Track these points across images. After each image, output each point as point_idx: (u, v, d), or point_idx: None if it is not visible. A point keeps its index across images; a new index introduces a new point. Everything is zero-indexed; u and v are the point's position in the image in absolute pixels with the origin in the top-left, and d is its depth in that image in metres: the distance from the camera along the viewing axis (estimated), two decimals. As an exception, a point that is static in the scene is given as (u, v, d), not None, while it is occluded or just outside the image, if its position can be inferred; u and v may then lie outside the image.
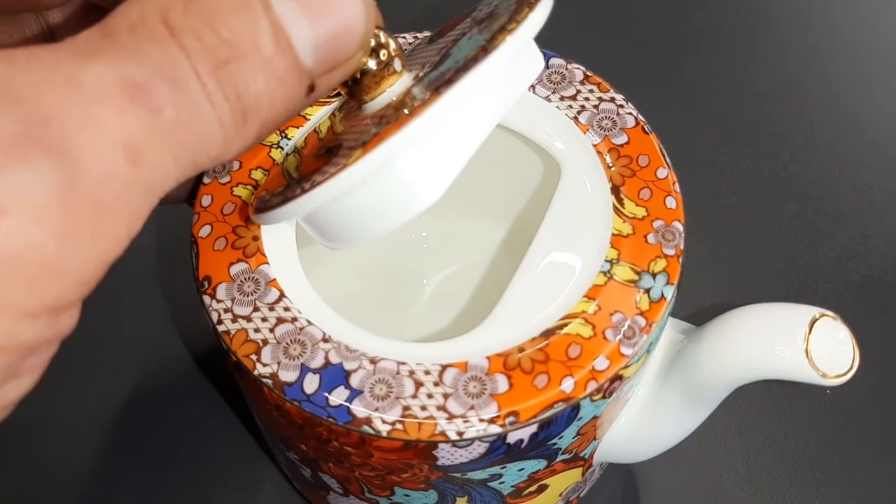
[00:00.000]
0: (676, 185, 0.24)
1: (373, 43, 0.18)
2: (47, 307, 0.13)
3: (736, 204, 0.40)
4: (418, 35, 0.26)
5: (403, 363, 0.21)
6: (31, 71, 0.13)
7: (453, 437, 0.20)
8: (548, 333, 0.21)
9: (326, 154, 0.19)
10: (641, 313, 0.21)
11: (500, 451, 0.21)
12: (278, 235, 0.23)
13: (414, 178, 0.18)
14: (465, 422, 0.20)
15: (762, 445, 0.33)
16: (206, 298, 0.22)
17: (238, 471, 0.32)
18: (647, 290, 0.22)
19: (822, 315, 0.21)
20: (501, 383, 0.20)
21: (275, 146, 0.25)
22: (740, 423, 0.33)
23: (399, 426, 0.20)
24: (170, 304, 0.36)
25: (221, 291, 0.22)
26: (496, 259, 0.31)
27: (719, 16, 0.48)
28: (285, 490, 0.32)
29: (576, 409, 0.20)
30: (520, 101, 0.19)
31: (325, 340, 0.21)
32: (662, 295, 0.22)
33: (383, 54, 0.18)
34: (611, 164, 0.24)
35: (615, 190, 0.23)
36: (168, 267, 0.37)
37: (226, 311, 0.21)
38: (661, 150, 0.24)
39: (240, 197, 0.23)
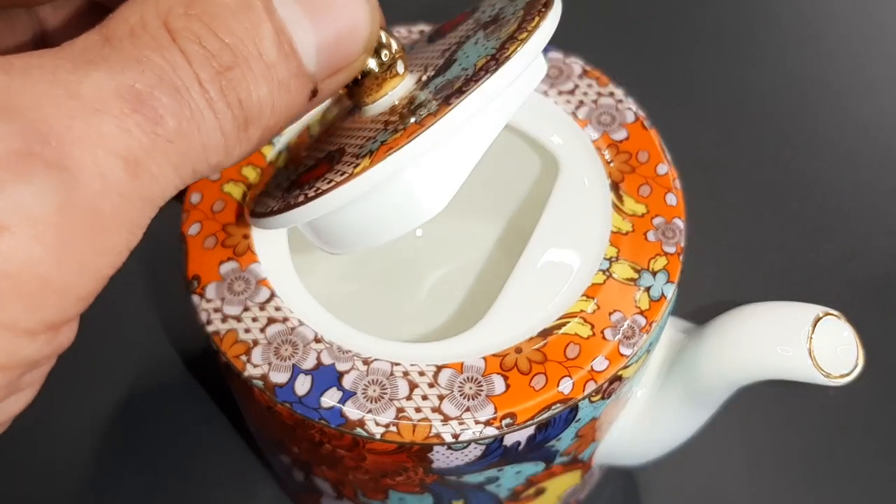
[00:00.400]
0: (677, 181, 0.23)
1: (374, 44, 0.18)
2: (47, 324, 0.13)
3: (737, 202, 0.40)
4: (412, 29, 0.26)
5: (397, 364, 0.20)
6: (31, 81, 0.12)
7: (448, 439, 0.19)
8: (545, 333, 0.20)
9: (327, 159, 0.19)
10: (641, 312, 0.21)
11: (496, 453, 0.20)
12: (269, 234, 0.22)
13: (420, 189, 0.18)
14: (461, 424, 0.19)
15: (765, 448, 0.33)
16: (196, 298, 0.21)
17: (230, 475, 0.32)
18: (647, 289, 0.21)
19: (826, 314, 0.21)
20: (498, 384, 0.20)
21: (266, 142, 0.24)
22: (742, 424, 0.33)
23: (393, 428, 0.19)
24: (158, 304, 0.36)
25: (211, 291, 0.21)
26: (493, 257, 0.31)
27: (721, 13, 0.48)
28: (278, 494, 0.31)
29: (574, 410, 0.20)
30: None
31: (318, 341, 0.20)
32: (663, 294, 0.21)
33: (386, 55, 0.18)
34: (610, 160, 0.23)
35: (614, 186, 0.23)
36: (156, 266, 0.36)
37: (216, 310, 0.21)
38: (661, 145, 0.24)
39: (230, 194, 0.23)
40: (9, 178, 0.12)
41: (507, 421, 0.19)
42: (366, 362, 0.20)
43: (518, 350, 0.20)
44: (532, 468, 0.22)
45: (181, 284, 0.22)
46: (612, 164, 0.23)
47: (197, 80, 0.14)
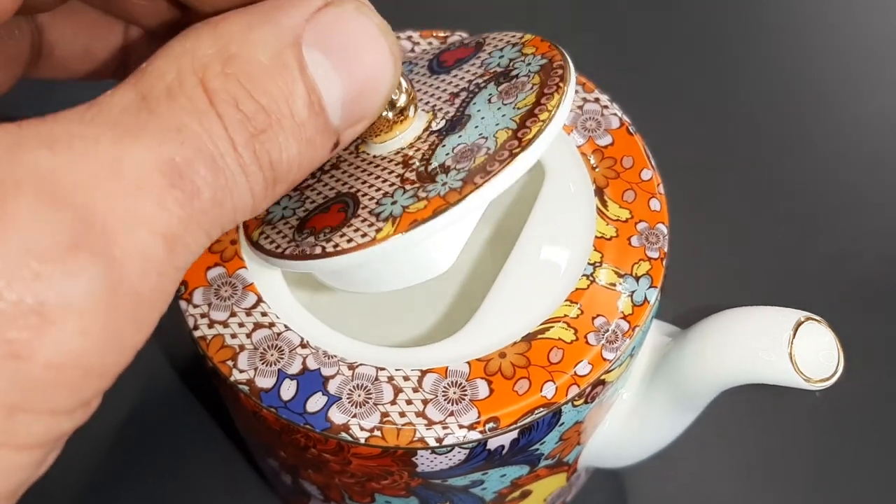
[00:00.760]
0: (661, 186, 0.23)
1: None
2: (85, 402, 0.13)
3: (726, 205, 0.40)
4: (399, 35, 0.26)
5: (382, 369, 0.20)
6: (74, 158, 0.12)
7: (432, 443, 0.19)
8: (529, 338, 0.21)
9: (341, 203, 0.19)
10: (624, 317, 0.21)
11: (480, 457, 0.20)
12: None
13: (434, 250, 0.18)
14: (445, 428, 0.19)
15: (751, 450, 0.33)
16: (183, 303, 0.21)
17: (220, 478, 0.32)
18: (631, 294, 0.21)
19: (808, 318, 0.21)
20: (482, 389, 0.20)
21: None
22: (729, 427, 0.33)
23: (377, 433, 0.19)
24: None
25: (198, 296, 0.21)
26: (478, 262, 0.31)
27: (708, 17, 0.48)
28: (268, 497, 0.31)
29: (557, 414, 0.20)
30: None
31: (303, 346, 0.21)
32: (646, 298, 0.21)
33: (400, 100, 0.18)
34: (595, 166, 0.24)
35: (599, 192, 0.23)
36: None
37: (202, 315, 0.21)
38: (645, 151, 0.24)
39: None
40: (56, 273, 0.12)
41: (491, 425, 0.19)
42: (351, 367, 0.20)
43: (502, 355, 0.20)
44: (517, 471, 0.22)
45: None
46: (596, 170, 0.24)
47: (232, 146, 0.14)
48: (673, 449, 0.26)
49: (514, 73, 0.20)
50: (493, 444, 0.20)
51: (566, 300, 0.21)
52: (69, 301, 0.12)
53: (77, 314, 0.12)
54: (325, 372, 0.20)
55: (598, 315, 0.21)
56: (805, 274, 0.37)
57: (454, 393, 0.20)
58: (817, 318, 0.21)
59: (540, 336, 0.21)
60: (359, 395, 0.20)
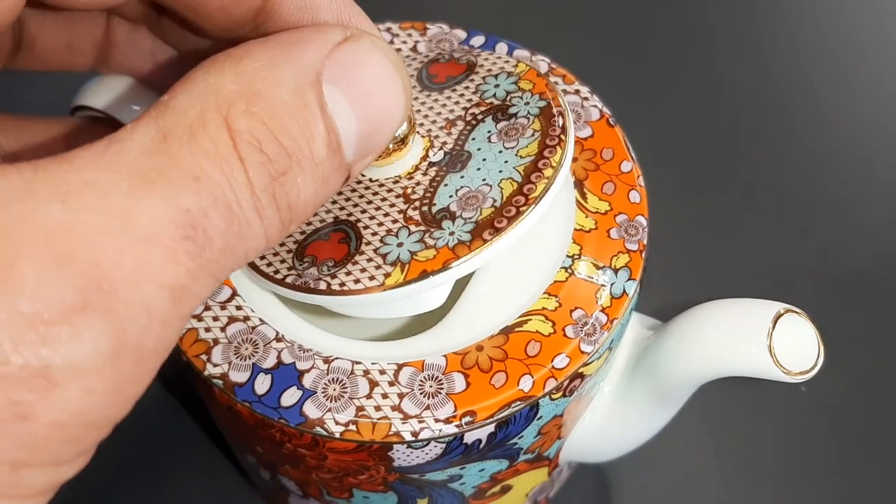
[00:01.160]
0: (641, 178, 0.23)
1: None
2: (86, 451, 0.13)
3: (710, 198, 0.40)
4: (379, 27, 0.25)
5: (358, 363, 0.20)
6: (85, 211, 0.12)
7: (408, 437, 0.19)
8: (507, 331, 0.20)
9: (341, 233, 0.19)
10: (603, 310, 0.21)
11: (457, 451, 0.20)
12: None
13: (432, 292, 0.19)
14: (420, 422, 0.19)
15: (735, 444, 0.33)
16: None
17: (201, 475, 0.32)
18: (609, 286, 0.21)
19: (787, 311, 0.21)
20: (458, 382, 0.20)
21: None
22: (713, 421, 0.33)
23: (352, 427, 0.19)
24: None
25: (172, 290, 0.21)
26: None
27: (699, 11, 0.48)
28: (248, 493, 0.31)
29: (534, 408, 0.20)
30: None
31: (278, 340, 0.20)
32: (625, 291, 0.21)
33: (401, 128, 0.19)
34: (574, 158, 0.23)
35: (578, 184, 0.23)
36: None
37: (176, 310, 0.21)
38: (625, 143, 0.24)
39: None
40: (62, 336, 0.12)
41: (467, 419, 0.19)
42: (326, 361, 0.20)
43: (479, 348, 0.20)
44: (496, 466, 0.22)
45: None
46: (576, 162, 0.23)
47: (251, 191, 0.14)
48: (657, 443, 0.26)
49: (512, 110, 0.21)
50: (469, 438, 0.20)
51: (544, 293, 0.21)
52: (74, 363, 0.12)
53: (81, 375, 0.12)
54: (300, 366, 0.20)
55: (576, 308, 0.21)
56: (788, 268, 0.37)
57: (430, 386, 0.20)
58: (797, 310, 0.21)
59: (518, 329, 0.20)
60: (334, 390, 0.20)
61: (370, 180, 0.20)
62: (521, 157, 0.20)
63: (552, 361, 0.20)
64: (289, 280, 0.19)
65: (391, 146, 0.19)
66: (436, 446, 0.20)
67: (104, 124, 0.24)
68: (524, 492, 0.25)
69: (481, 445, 0.20)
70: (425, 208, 0.19)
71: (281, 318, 0.21)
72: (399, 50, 0.25)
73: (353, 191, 0.20)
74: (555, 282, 0.21)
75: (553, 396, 0.20)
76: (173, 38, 0.23)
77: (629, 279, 0.21)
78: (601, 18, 0.47)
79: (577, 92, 0.25)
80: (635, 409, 0.24)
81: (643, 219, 0.22)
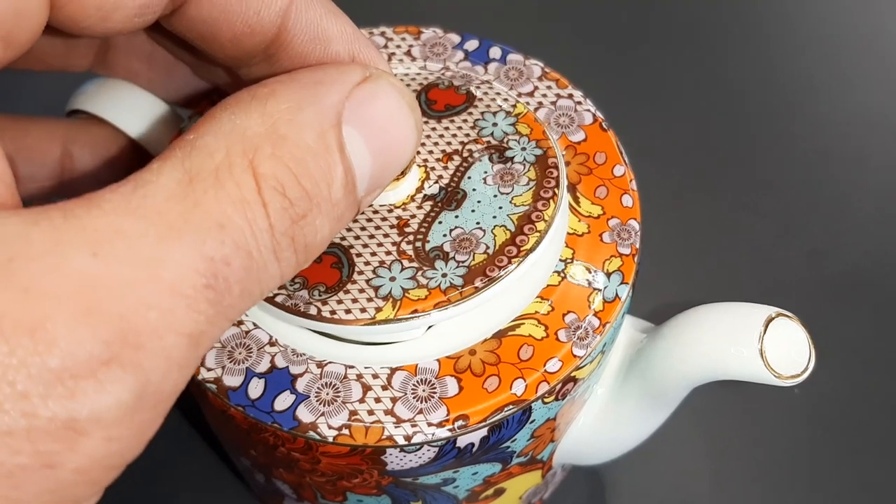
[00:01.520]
0: (633, 182, 0.23)
1: None
2: (101, 489, 0.13)
3: (708, 203, 0.40)
4: (373, 31, 0.26)
5: (351, 367, 0.20)
6: (116, 268, 0.12)
7: (401, 441, 0.19)
8: (500, 335, 0.21)
9: (334, 257, 0.20)
10: (595, 314, 0.21)
11: (450, 455, 0.20)
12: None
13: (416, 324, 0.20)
14: (413, 426, 0.19)
15: (728, 446, 0.33)
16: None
17: (196, 478, 0.32)
18: (602, 290, 0.21)
19: (779, 314, 0.21)
20: (451, 386, 0.20)
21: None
22: (706, 423, 0.33)
23: (345, 431, 0.19)
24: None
25: (166, 294, 0.21)
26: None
27: (687, 11, 0.48)
28: (244, 495, 0.31)
29: (527, 411, 0.20)
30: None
31: (272, 344, 0.20)
32: (617, 295, 0.21)
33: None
34: (567, 162, 0.23)
35: (571, 188, 0.23)
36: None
37: (170, 314, 0.21)
38: (618, 147, 0.24)
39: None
40: (89, 390, 0.12)
41: (460, 423, 0.19)
42: (319, 365, 0.20)
43: (472, 352, 0.20)
44: (489, 469, 0.22)
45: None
46: (569, 166, 0.23)
47: (271, 235, 0.14)
48: (652, 445, 0.26)
49: (509, 153, 0.21)
50: (462, 441, 0.20)
51: (537, 297, 0.21)
52: (99, 415, 0.12)
53: (106, 425, 0.12)
54: (294, 370, 0.20)
55: (568, 311, 0.21)
56: (781, 271, 0.37)
57: (423, 391, 0.20)
58: (788, 313, 0.21)
59: (510, 333, 0.21)
60: (327, 394, 0.20)
61: (368, 210, 0.20)
62: (515, 205, 0.20)
63: (545, 365, 0.20)
64: (279, 300, 0.19)
65: None
66: (429, 450, 0.20)
67: (100, 127, 0.24)
68: (518, 494, 0.25)
69: (474, 449, 0.20)
70: (419, 244, 0.20)
71: (274, 323, 0.21)
72: (393, 54, 0.25)
73: (359, 223, 0.20)
74: (547, 286, 0.21)
75: (546, 400, 0.20)
76: (180, 54, 0.23)
77: (622, 283, 0.21)
78: (594, 22, 0.47)
79: (570, 96, 0.25)
80: (629, 411, 0.24)
81: (636, 223, 0.22)
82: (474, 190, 0.21)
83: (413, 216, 0.20)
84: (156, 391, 0.13)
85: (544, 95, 0.25)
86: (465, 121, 0.22)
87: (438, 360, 0.20)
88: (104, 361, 0.12)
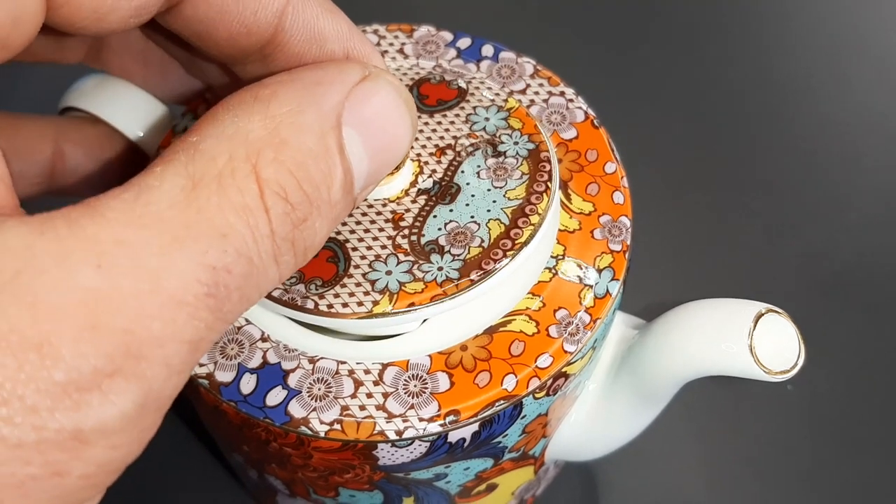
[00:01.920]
0: (625, 179, 0.23)
1: None
2: (103, 491, 0.14)
3: (699, 200, 0.40)
4: (366, 28, 0.26)
5: (343, 362, 0.20)
6: (120, 280, 0.12)
7: (392, 436, 0.19)
8: (491, 331, 0.21)
9: (330, 251, 0.20)
10: (586, 310, 0.21)
11: (441, 450, 0.20)
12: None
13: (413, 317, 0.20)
14: (405, 421, 0.19)
15: (720, 442, 0.33)
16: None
17: (188, 473, 0.32)
18: (593, 286, 0.21)
19: (769, 310, 0.21)
20: (443, 382, 0.20)
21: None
22: (699, 419, 0.33)
23: (337, 426, 0.19)
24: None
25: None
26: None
27: (681, 9, 0.48)
28: (237, 492, 0.31)
29: (518, 407, 0.20)
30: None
31: (264, 340, 0.20)
32: (608, 291, 0.21)
33: None
34: (559, 159, 0.24)
35: (563, 185, 0.23)
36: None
37: (163, 310, 0.21)
38: (610, 144, 0.24)
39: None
40: (94, 402, 0.12)
41: (451, 418, 0.19)
42: (311, 361, 0.20)
43: (463, 347, 0.20)
44: (480, 464, 0.22)
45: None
46: (561, 163, 0.23)
47: (272, 240, 0.14)
48: (644, 442, 0.27)
49: (501, 147, 0.22)
50: (453, 436, 0.20)
51: (528, 293, 0.21)
52: (104, 425, 0.12)
53: (110, 434, 0.13)
54: (286, 366, 0.20)
55: (559, 307, 0.21)
56: (772, 267, 0.38)
57: (415, 386, 0.20)
58: (778, 310, 0.21)
59: (501, 329, 0.21)
60: (319, 389, 0.20)
61: (367, 205, 0.21)
62: (508, 198, 0.21)
63: (536, 361, 0.20)
64: (275, 294, 0.19)
65: None
66: (420, 445, 0.20)
67: (93, 125, 0.24)
68: (510, 490, 0.26)
69: (465, 444, 0.20)
70: (414, 238, 0.20)
71: (266, 318, 0.21)
72: (385, 52, 0.25)
73: (354, 218, 0.20)
74: (539, 282, 0.21)
75: (537, 395, 0.20)
76: (174, 51, 0.23)
77: (612, 279, 0.21)
78: (586, 20, 0.47)
79: (562, 94, 0.25)
80: (620, 407, 0.24)
81: (627, 219, 0.23)
82: (468, 184, 0.21)
83: (407, 210, 0.20)
84: (157, 398, 0.13)
85: (536, 93, 0.25)
86: (457, 115, 0.22)
87: (430, 356, 0.20)
88: (108, 374, 0.12)
